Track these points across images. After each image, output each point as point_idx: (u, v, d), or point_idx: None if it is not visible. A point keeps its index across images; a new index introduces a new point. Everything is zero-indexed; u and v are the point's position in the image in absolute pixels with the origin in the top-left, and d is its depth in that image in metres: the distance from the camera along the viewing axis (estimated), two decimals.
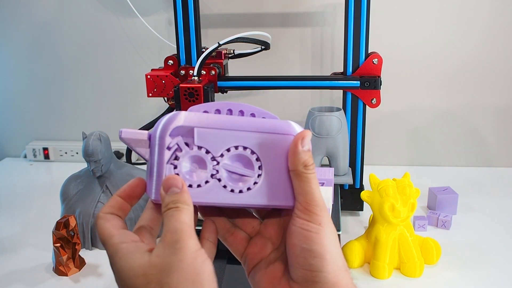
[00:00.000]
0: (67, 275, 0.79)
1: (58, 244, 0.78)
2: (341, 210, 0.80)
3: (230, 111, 0.42)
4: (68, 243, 0.78)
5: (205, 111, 0.41)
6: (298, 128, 0.41)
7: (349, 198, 0.96)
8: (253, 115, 0.42)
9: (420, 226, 0.90)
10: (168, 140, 0.38)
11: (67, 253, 0.78)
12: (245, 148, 0.40)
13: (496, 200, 1.03)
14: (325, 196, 0.72)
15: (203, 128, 0.39)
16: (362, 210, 0.97)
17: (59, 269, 0.79)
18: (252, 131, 0.40)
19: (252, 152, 0.40)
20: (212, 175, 0.39)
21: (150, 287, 0.35)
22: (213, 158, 0.39)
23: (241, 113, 0.42)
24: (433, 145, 1.21)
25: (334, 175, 0.82)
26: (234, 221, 0.45)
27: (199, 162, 0.40)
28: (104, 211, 0.39)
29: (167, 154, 0.38)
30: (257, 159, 0.40)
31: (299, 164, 0.39)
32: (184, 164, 0.39)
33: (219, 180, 0.40)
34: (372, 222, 0.80)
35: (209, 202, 0.40)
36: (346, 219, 0.95)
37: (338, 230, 0.71)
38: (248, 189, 0.40)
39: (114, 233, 0.37)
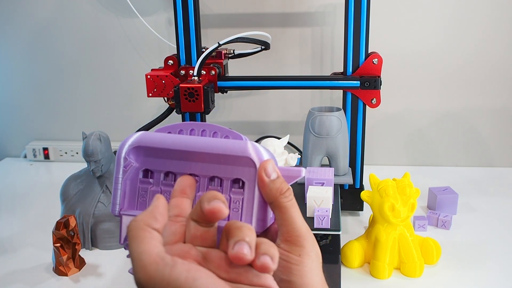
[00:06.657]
0: (67, 275, 0.79)
1: (58, 244, 0.78)
2: (341, 210, 0.80)
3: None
4: (68, 243, 0.78)
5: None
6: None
7: (349, 198, 0.96)
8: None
9: (420, 226, 0.90)
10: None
11: (67, 253, 0.78)
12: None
13: (496, 200, 1.03)
14: (325, 196, 0.72)
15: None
16: (362, 210, 0.97)
17: (59, 269, 0.79)
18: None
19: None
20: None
21: None
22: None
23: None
24: (433, 145, 1.21)
25: (334, 175, 0.82)
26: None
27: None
28: None
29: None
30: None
31: (275, 194, 0.38)
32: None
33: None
34: (372, 222, 0.80)
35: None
36: (346, 219, 0.95)
37: (338, 230, 0.71)
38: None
39: None
